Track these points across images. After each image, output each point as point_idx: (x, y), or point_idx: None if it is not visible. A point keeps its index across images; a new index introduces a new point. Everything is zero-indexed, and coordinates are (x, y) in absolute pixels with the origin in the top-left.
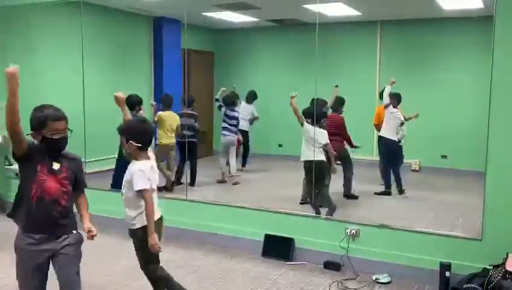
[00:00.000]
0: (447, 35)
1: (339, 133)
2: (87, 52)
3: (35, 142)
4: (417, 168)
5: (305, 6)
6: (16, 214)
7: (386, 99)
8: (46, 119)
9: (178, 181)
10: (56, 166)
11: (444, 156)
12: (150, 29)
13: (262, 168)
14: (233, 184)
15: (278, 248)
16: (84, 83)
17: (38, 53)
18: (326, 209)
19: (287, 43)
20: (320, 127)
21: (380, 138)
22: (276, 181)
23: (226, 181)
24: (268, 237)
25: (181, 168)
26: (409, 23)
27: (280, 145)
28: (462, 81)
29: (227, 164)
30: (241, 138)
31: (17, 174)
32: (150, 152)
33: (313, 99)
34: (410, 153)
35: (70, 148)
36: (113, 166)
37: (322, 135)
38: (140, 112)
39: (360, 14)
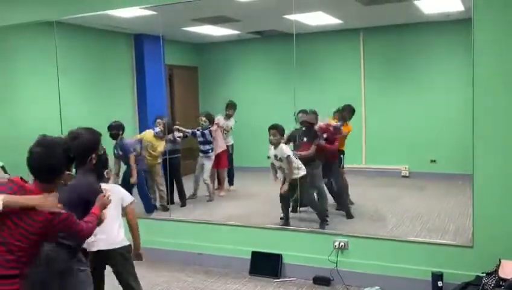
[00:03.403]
0: (430, 39)
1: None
2: (65, 73)
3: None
4: (407, 174)
5: (285, 16)
6: None
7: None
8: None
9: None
10: None
11: (433, 161)
12: (130, 46)
13: (251, 182)
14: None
15: (265, 265)
16: (60, 105)
17: (14, 76)
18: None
19: (270, 54)
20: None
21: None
22: (265, 195)
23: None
24: (255, 254)
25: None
26: (391, 28)
27: (269, 157)
28: (447, 84)
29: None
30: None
31: None
32: None
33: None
34: (399, 158)
35: None
36: None
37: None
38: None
39: (341, 22)
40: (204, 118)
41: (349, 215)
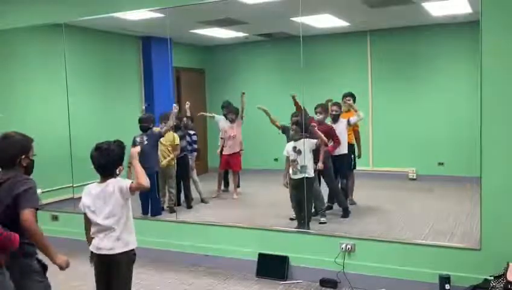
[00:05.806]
0: (437, 41)
1: None
2: (73, 75)
3: None
4: (414, 177)
5: (292, 19)
6: None
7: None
8: (31, 142)
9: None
10: None
11: (440, 163)
12: (138, 49)
13: (258, 184)
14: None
15: (272, 267)
16: (69, 108)
17: (23, 78)
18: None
19: (278, 57)
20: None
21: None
22: (271, 197)
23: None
24: (262, 256)
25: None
26: (398, 31)
27: (276, 160)
28: (455, 85)
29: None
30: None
31: None
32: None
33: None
34: (406, 161)
35: (57, 174)
36: None
37: None
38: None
39: (348, 24)
40: (185, 118)
41: (346, 214)
